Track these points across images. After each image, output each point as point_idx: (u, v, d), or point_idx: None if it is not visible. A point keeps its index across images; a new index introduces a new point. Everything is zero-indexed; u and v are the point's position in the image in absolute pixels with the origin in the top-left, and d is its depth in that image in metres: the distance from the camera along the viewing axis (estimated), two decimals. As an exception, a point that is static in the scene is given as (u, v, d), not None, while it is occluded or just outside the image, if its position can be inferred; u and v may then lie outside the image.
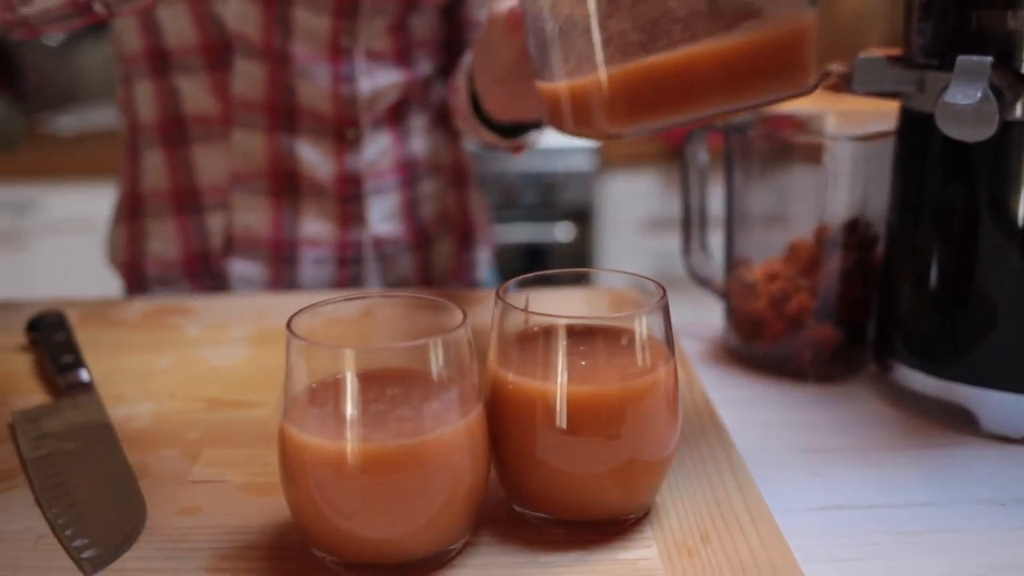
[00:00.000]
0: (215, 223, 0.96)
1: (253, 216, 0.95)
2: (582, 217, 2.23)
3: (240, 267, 0.96)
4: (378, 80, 0.94)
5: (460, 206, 1.05)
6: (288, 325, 0.48)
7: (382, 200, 0.97)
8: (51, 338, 0.75)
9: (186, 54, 0.92)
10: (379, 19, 0.92)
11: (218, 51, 0.91)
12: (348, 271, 0.97)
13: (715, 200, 0.79)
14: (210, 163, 0.95)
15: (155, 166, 0.96)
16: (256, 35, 0.89)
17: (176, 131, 0.95)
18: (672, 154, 2.21)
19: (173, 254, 0.97)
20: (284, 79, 0.91)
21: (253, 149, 0.93)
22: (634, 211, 2.27)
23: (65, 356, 0.72)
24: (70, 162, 2.19)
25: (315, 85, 0.91)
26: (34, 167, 2.19)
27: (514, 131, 0.83)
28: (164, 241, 0.97)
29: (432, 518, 0.46)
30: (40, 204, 2.21)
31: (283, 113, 0.92)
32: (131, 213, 0.99)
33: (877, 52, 0.68)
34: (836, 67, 0.72)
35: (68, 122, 2.35)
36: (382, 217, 0.97)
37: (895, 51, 0.67)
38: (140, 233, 0.99)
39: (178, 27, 0.91)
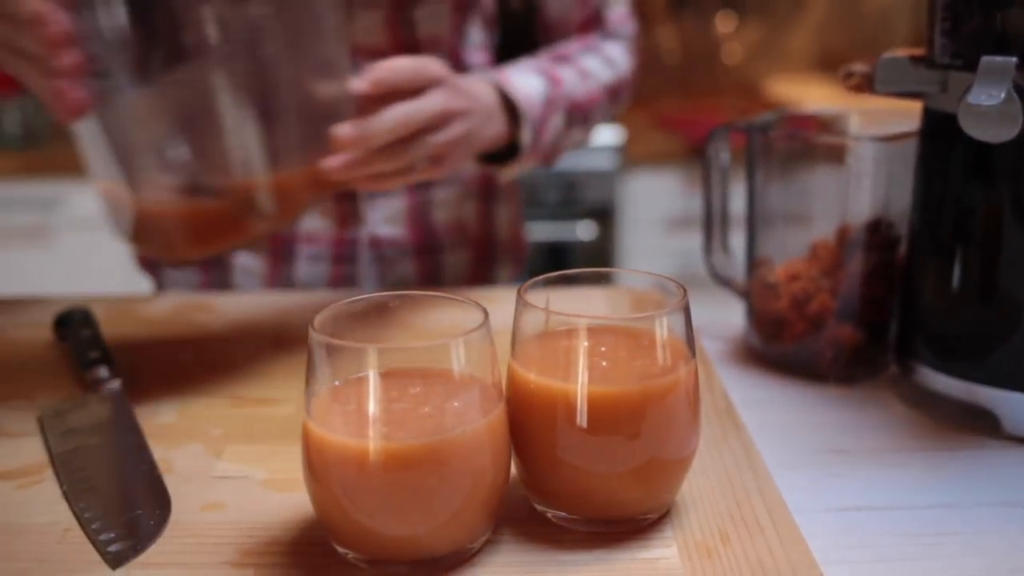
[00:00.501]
0: None
1: None
2: (604, 216, 2.23)
3: (243, 259, 0.98)
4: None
5: (481, 219, 1.03)
6: (311, 324, 0.48)
7: (387, 202, 0.96)
8: (78, 334, 0.76)
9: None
10: (369, 11, 0.89)
11: None
12: (343, 269, 0.97)
13: (737, 199, 0.79)
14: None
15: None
16: None
17: None
18: (694, 153, 2.20)
19: None
20: None
21: None
22: (656, 210, 2.27)
23: (91, 352, 0.73)
24: (96, 159, 2.21)
25: None
26: (60, 163, 2.20)
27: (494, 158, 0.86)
28: None
29: (453, 516, 0.47)
30: (65, 200, 2.23)
31: None
32: None
33: (900, 52, 0.68)
34: (859, 67, 0.72)
35: (94, 119, 2.37)
36: (385, 219, 0.97)
37: (918, 51, 0.67)
38: None
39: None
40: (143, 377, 0.72)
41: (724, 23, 2.79)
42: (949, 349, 0.66)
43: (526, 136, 0.83)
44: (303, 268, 0.96)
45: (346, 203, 0.95)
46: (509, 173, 0.88)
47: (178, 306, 0.87)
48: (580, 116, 0.92)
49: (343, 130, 0.67)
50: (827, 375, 0.72)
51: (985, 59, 0.59)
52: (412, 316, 0.53)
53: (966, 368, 0.64)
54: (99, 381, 0.69)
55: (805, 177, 0.75)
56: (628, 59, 0.99)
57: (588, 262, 2.21)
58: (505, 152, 0.85)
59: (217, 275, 0.99)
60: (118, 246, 2.23)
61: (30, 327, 0.82)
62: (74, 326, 0.77)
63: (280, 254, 0.97)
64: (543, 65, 0.90)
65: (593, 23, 0.99)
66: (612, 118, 1.03)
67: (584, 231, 2.22)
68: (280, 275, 0.97)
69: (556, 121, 0.88)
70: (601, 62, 0.95)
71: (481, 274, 1.04)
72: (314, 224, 0.96)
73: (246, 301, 0.88)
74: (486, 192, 1.02)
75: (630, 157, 2.23)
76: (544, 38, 1.01)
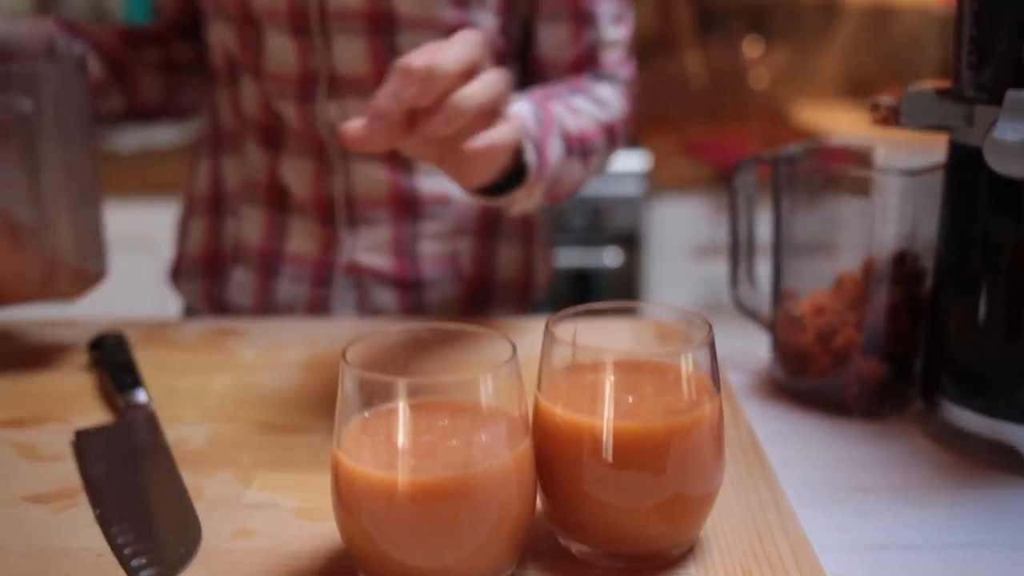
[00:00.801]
0: (229, 228, 1.02)
1: (251, 226, 0.99)
2: (630, 242, 2.23)
3: (239, 274, 1.00)
4: (350, 108, 0.91)
5: (477, 257, 0.99)
6: (343, 355, 0.49)
7: (371, 230, 0.96)
8: (112, 358, 0.77)
9: (219, 71, 0.98)
10: (348, 37, 0.88)
11: (232, 69, 0.95)
12: (319, 292, 0.97)
13: (764, 226, 0.79)
14: (231, 173, 1.01)
15: (203, 172, 1.04)
16: (238, 54, 0.93)
17: (215, 140, 1.02)
18: (721, 179, 2.20)
19: (199, 251, 1.04)
20: (268, 97, 0.93)
21: (255, 163, 0.97)
22: (683, 237, 2.27)
23: (125, 376, 0.74)
24: (130, 179, 2.25)
25: (288, 106, 0.93)
26: (94, 184, 2.24)
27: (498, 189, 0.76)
28: (195, 239, 1.04)
29: (479, 548, 0.47)
30: (99, 221, 2.26)
31: (272, 130, 0.95)
32: (187, 212, 1.07)
33: (927, 85, 0.68)
34: (885, 100, 0.72)
35: (129, 140, 2.40)
36: (367, 247, 0.96)
37: (944, 84, 0.67)
38: (186, 231, 1.06)
39: (213, 46, 0.97)
40: (175, 402, 0.73)
41: (751, 48, 2.79)
42: (975, 385, 0.66)
43: (530, 154, 0.75)
44: (285, 287, 0.98)
45: (327, 227, 0.96)
46: (517, 204, 0.78)
47: (209, 331, 0.88)
48: (578, 148, 0.86)
49: (413, 61, 0.58)
50: (852, 410, 0.72)
51: (1011, 94, 0.59)
52: (443, 347, 0.54)
53: (992, 404, 0.64)
54: (132, 406, 0.71)
55: (831, 207, 0.75)
56: (622, 102, 0.95)
57: (614, 289, 2.21)
58: (507, 182, 0.76)
59: (217, 287, 1.02)
60: (150, 266, 2.24)
61: (64, 350, 0.83)
62: (108, 350, 0.79)
63: (268, 271, 0.99)
64: (528, 95, 0.84)
65: (586, 63, 0.95)
66: (608, 163, 0.96)
67: (610, 257, 2.22)
68: (267, 292, 0.99)
69: (556, 146, 0.81)
70: (591, 101, 0.91)
71: (471, 312, 1.00)
72: (301, 246, 0.97)
73: (275, 327, 0.89)
74: (485, 228, 0.99)
75: (656, 183, 2.23)
76: (537, 78, 0.97)
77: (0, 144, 0.75)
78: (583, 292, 2.23)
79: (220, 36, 0.94)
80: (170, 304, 1.12)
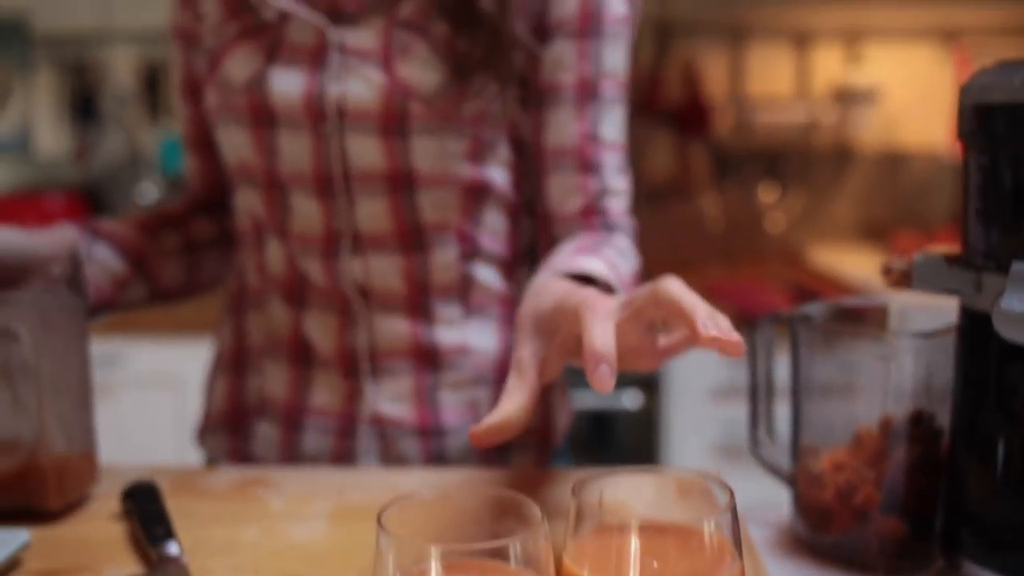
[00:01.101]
0: (253, 384, 1.04)
1: (275, 381, 1.01)
2: (649, 384, 2.25)
3: (263, 428, 1.03)
4: (372, 264, 0.95)
5: (496, 405, 0.99)
6: (379, 519, 0.51)
7: (393, 381, 0.98)
8: (144, 508, 0.79)
9: (245, 234, 1.03)
10: (372, 199, 0.93)
11: (258, 232, 1.00)
12: (344, 444, 0.99)
13: (783, 367, 0.80)
14: (254, 330, 1.04)
15: (227, 331, 1.08)
16: (264, 217, 0.98)
17: (240, 299, 1.06)
18: (740, 321, 2.23)
19: (223, 407, 1.06)
20: (294, 256, 0.98)
21: (279, 320, 1.00)
22: (702, 379, 2.28)
23: (157, 527, 0.76)
24: (162, 318, 2.30)
25: (313, 263, 0.97)
26: (122, 321, 2.29)
27: None
28: (220, 396, 1.07)
29: None
30: (124, 358, 2.30)
31: (297, 288, 0.98)
32: (213, 370, 1.10)
33: (937, 249, 0.71)
34: (898, 264, 0.75)
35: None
36: (390, 397, 0.98)
37: (955, 249, 0.70)
38: (212, 388, 1.09)
39: (239, 211, 1.02)
40: (206, 554, 0.74)
41: (767, 193, 2.86)
42: (994, 544, 0.66)
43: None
44: (310, 440, 1.00)
45: (351, 379, 0.98)
46: None
47: (239, 480, 0.90)
48: None
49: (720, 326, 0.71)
50: (874, 568, 0.73)
51: (1016, 265, 0.62)
52: (473, 509, 0.56)
53: (1013, 563, 0.65)
54: (164, 558, 0.72)
55: (848, 354, 0.76)
56: (635, 252, 0.95)
57: (633, 431, 2.22)
58: None
59: (242, 443, 1.05)
60: (174, 404, 2.28)
61: (96, 498, 0.85)
62: (140, 499, 0.80)
63: (292, 426, 1.01)
64: (584, 248, 0.86)
65: (593, 212, 0.95)
66: None
67: (630, 400, 2.23)
68: (291, 445, 1.01)
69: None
70: (617, 252, 0.91)
71: (492, 459, 1.01)
72: (325, 399, 0.99)
73: (303, 477, 0.91)
74: (503, 377, 1.00)
75: (675, 325, 2.26)
76: (545, 233, 0.98)
77: None
78: (602, 434, 2.23)
79: (247, 202, 0.99)
80: (192, 446, 1.14)
